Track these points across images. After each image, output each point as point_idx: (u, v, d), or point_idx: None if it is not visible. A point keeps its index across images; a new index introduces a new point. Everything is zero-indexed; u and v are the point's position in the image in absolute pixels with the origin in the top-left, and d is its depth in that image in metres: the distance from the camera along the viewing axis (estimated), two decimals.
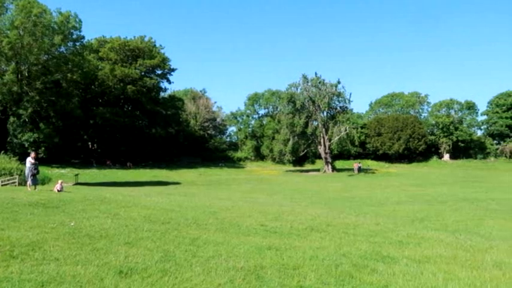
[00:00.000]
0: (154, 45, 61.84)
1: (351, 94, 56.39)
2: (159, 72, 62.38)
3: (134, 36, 61.02)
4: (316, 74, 56.00)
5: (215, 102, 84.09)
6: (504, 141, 77.91)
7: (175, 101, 66.03)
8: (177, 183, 36.26)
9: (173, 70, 63.49)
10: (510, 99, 77.47)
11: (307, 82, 55.86)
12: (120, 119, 54.00)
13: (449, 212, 15.40)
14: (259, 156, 75.02)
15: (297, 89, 56.44)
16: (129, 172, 46.62)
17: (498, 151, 78.57)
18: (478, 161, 76.22)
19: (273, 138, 63.97)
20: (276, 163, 64.89)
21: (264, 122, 79.57)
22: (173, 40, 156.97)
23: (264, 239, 7.35)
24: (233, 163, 69.67)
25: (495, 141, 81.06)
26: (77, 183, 31.20)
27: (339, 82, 55.11)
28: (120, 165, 53.15)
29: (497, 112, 79.26)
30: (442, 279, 4.95)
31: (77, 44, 46.05)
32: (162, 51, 62.02)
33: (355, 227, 9.77)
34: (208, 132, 78.44)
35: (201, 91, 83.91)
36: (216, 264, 5.06)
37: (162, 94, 66.14)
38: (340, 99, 56.47)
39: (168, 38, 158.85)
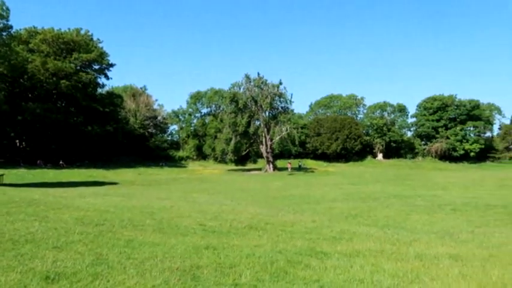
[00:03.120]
0: (92, 38, 58.78)
1: (292, 95, 57.72)
2: (97, 67, 59.40)
3: (69, 28, 57.49)
4: (258, 74, 56.64)
5: (156, 100, 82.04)
6: (430, 142, 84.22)
7: (113, 98, 63.31)
8: (115, 183, 34.86)
9: (112, 65, 60.76)
10: (436, 103, 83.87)
11: (250, 82, 56.31)
12: (53, 116, 50.67)
13: (381, 209, 16.34)
14: (201, 155, 74.39)
15: (239, 88, 56.70)
16: (62, 172, 43.97)
17: (425, 151, 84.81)
18: (407, 160, 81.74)
19: (216, 137, 63.74)
20: (218, 162, 64.76)
21: (207, 121, 79.08)
22: (112, 34, 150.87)
23: (202, 238, 7.34)
24: (174, 162, 68.36)
25: (423, 142, 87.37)
26: (2, 184, 28.81)
27: (280, 83, 56.22)
28: (52, 164, 49.94)
29: (424, 115, 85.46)
30: (369, 271, 5.27)
31: (4, 34, 42.16)
32: (100, 45, 59.05)
33: (292, 224, 10.06)
34: (149, 130, 76.23)
35: (141, 88, 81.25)
36: (151, 265, 4.98)
37: (99, 90, 63.07)
38: (281, 99, 57.53)
39: (107, 32, 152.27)
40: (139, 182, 36.72)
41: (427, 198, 20.28)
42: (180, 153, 76.24)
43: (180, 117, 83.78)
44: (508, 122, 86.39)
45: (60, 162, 50.83)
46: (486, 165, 75.66)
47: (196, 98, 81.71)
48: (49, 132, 53.28)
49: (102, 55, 58.42)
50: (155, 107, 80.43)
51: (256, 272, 4.96)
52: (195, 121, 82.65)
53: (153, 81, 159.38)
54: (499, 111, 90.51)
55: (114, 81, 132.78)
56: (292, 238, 7.84)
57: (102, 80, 61.63)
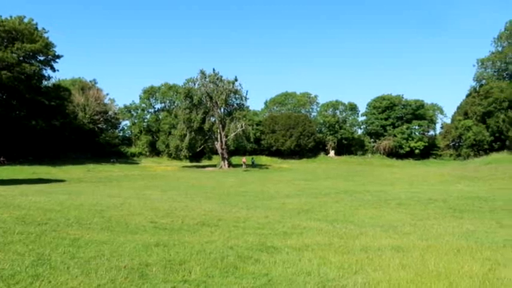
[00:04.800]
0: (36, 27, 55.36)
1: (247, 92, 58.05)
2: (42, 58, 56.06)
3: (11, 16, 53.88)
4: (214, 70, 56.25)
5: (107, 94, 78.76)
6: (379, 140, 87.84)
7: (60, 91, 60.15)
8: (61, 180, 33.30)
9: (58, 57, 57.60)
10: (384, 102, 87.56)
11: (205, 78, 55.84)
12: None
13: (331, 204, 16.84)
14: (154, 151, 72.79)
15: (194, 84, 56.07)
16: (3, 169, 41.30)
17: (374, 148, 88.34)
18: (358, 157, 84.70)
19: (170, 133, 62.66)
20: (172, 159, 63.67)
21: (160, 117, 77.42)
22: (59, 25, 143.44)
23: (152, 236, 7.21)
24: (126, 159, 66.41)
25: (372, 140, 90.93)
26: None
27: (236, 79, 56.16)
28: None
29: (374, 113, 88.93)
30: (317, 264, 5.44)
31: None
32: (45, 35, 55.78)
33: (245, 220, 10.13)
34: (99, 125, 73.26)
35: (91, 81, 77.73)
36: (97, 264, 4.83)
37: (45, 83, 59.62)
38: (237, 96, 57.56)
39: (53, 22, 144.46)
40: (88, 179, 35.33)
41: (375, 194, 21.17)
42: (133, 150, 74.18)
43: (133, 112, 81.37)
44: (449, 121, 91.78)
45: (1, 159, 47.82)
46: (429, 162, 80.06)
47: (150, 93, 79.72)
48: None
49: (48, 46, 55.29)
50: (106, 101, 77.37)
51: (206, 268, 4.97)
52: (148, 117, 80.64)
53: (104, 74, 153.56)
54: (441, 111, 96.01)
55: (61, 73, 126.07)
56: (244, 234, 7.91)
57: (48, 72, 58.30)
